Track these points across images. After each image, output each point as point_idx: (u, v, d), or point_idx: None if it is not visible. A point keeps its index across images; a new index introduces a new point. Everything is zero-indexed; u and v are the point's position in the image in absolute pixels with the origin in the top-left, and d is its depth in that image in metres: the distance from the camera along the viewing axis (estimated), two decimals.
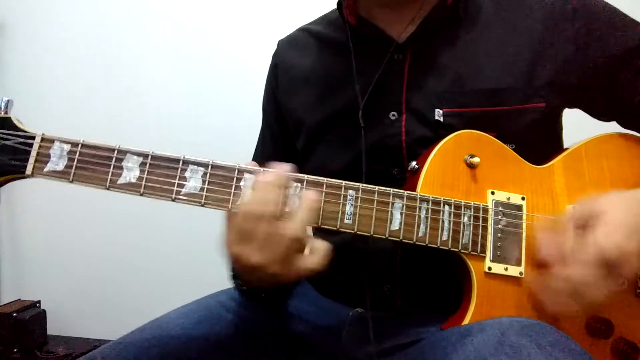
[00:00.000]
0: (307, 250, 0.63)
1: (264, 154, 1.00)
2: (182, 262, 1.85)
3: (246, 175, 0.64)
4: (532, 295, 0.69)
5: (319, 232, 0.92)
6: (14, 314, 1.69)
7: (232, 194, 0.63)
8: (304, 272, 0.63)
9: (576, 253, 0.62)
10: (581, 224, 0.64)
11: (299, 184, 0.65)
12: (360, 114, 0.78)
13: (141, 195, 0.61)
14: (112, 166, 0.61)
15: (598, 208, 0.63)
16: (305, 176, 0.65)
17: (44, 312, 1.81)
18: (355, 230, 0.65)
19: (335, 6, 0.90)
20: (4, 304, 1.78)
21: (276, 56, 0.99)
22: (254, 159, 1.03)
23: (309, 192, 0.63)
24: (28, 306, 1.77)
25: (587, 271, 0.60)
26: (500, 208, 0.70)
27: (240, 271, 0.71)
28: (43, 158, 0.60)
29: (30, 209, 1.92)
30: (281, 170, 0.63)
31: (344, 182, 0.65)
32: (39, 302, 1.83)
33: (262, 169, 0.64)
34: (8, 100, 0.62)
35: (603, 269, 0.60)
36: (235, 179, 0.63)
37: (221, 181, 0.63)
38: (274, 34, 1.01)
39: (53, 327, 1.83)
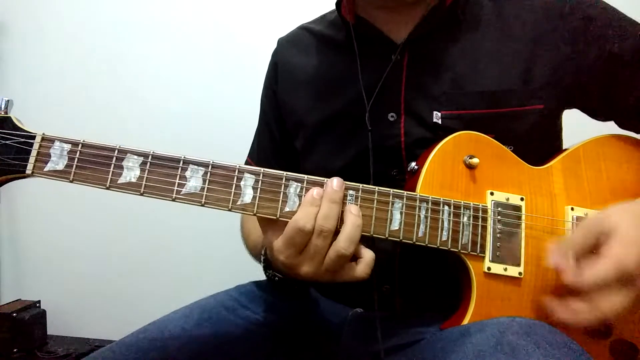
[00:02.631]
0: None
1: (261, 152, 1.00)
2: (183, 262, 1.85)
3: (247, 175, 0.64)
4: (531, 295, 0.69)
5: None
6: (14, 314, 1.69)
7: (232, 193, 0.63)
8: (350, 279, 0.65)
9: (594, 269, 0.60)
10: (593, 240, 0.63)
11: (300, 184, 0.65)
12: (367, 115, 0.79)
13: (141, 195, 0.62)
14: (112, 166, 0.61)
15: (608, 224, 0.62)
16: (305, 176, 0.65)
17: (44, 312, 1.80)
18: None
19: (334, 6, 0.90)
20: (4, 304, 1.78)
21: (276, 55, 0.99)
22: (250, 156, 1.03)
23: (352, 206, 0.64)
24: (28, 306, 1.77)
25: (605, 287, 0.60)
26: (499, 208, 0.70)
27: (286, 274, 0.72)
28: (43, 158, 0.60)
29: (30, 209, 1.92)
30: (338, 184, 0.64)
31: (344, 183, 0.66)
32: (39, 302, 1.83)
33: (264, 169, 0.64)
34: (8, 100, 0.62)
35: (620, 284, 0.60)
36: (235, 178, 0.63)
37: (222, 181, 0.63)
38: (274, 32, 1.02)
39: (53, 327, 1.83)
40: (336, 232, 0.63)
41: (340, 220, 0.63)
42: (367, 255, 0.65)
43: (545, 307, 0.66)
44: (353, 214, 0.63)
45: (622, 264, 0.59)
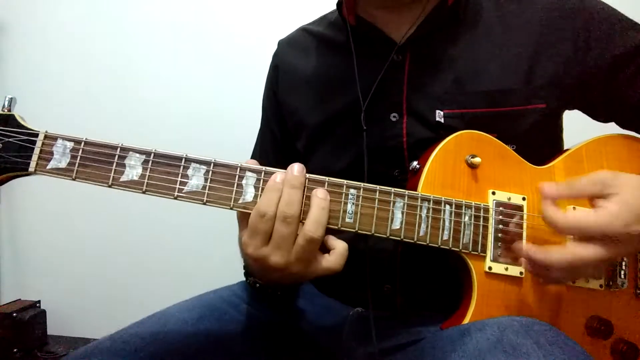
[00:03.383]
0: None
1: (263, 154, 1.00)
2: (183, 262, 1.85)
3: (249, 173, 0.64)
4: (531, 295, 0.69)
5: None
6: (14, 314, 1.69)
7: (234, 192, 0.63)
8: (325, 271, 0.64)
9: (580, 215, 0.62)
10: (594, 195, 0.63)
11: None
12: (362, 116, 0.79)
13: (143, 193, 0.62)
14: (114, 164, 0.61)
15: (613, 184, 0.62)
16: (307, 175, 0.65)
17: (44, 312, 1.81)
18: (357, 229, 0.65)
19: (334, 7, 0.90)
20: (4, 304, 1.78)
21: (276, 57, 0.99)
22: (253, 158, 1.03)
23: (319, 190, 0.63)
24: (28, 306, 1.77)
25: (585, 235, 0.61)
26: (501, 208, 0.70)
27: (259, 271, 0.71)
28: (46, 155, 0.61)
29: (30, 209, 1.93)
30: (294, 169, 0.63)
31: (345, 181, 0.66)
32: (39, 302, 1.83)
33: (265, 168, 0.64)
34: (11, 98, 0.62)
35: (601, 240, 0.60)
36: (237, 177, 0.63)
37: (223, 179, 0.63)
38: (276, 33, 1.02)
39: (53, 327, 1.83)
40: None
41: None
42: (340, 246, 0.64)
43: (521, 250, 0.66)
44: (319, 197, 0.62)
45: (611, 222, 0.59)
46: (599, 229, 0.60)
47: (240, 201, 0.63)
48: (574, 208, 0.72)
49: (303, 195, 0.63)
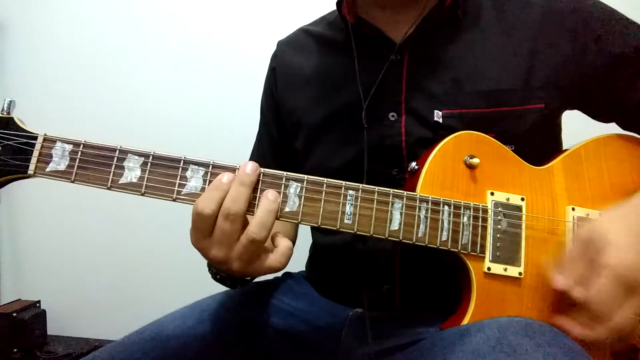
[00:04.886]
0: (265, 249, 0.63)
1: (261, 155, 1.00)
2: (183, 262, 1.84)
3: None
4: (531, 296, 0.69)
5: (319, 232, 0.93)
6: (14, 314, 1.69)
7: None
8: (266, 270, 0.63)
9: (595, 284, 0.61)
10: (589, 256, 0.63)
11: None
12: (363, 114, 0.79)
13: (142, 195, 0.62)
14: (113, 166, 0.61)
15: (600, 236, 0.63)
16: (305, 176, 0.65)
17: (44, 312, 1.81)
18: (355, 230, 0.65)
19: (334, 7, 0.90)
20: (4, 304, 1.78)
21: (275, 57, 0.99)
22: (251, 160, 1.03)
23: (269, 191, 0.63)
24: (28, 306, 1.77)
25: (609, 299, 0.60)
26: (499, 208, 0.70)
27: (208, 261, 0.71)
28: (45, 158, 0.61)
29: (30, 209, 1.92)
30: (245, 167, 0.62)
31: (343, 183, 0.66)
32: (39, 302, 1.83)
33: (271, 170, 0.64)
34: (10, 101, 0.62)
35: (623, 292, 0.60)
36: None
37: None
38: (276, 34, 1.02)
39: (53, 327, 1.83)
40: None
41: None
42: (283, 244, 0.64)
43: (555, 322, 0.66)
44: (268, 199, 0.62)
45: (621, 272, 0.60)
46: (619, 283, 0.60)
47: (181, 193, 0.63)
48: (573, 209, 0.72)
49: (250, 194, 0.62)
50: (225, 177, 0.62)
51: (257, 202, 0.63)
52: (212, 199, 0.60)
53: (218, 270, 0.75)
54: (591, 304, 0.61)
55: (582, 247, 0.65)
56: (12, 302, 1.81)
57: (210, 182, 0.63)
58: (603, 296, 0.60)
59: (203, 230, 0.61)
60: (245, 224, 0.62)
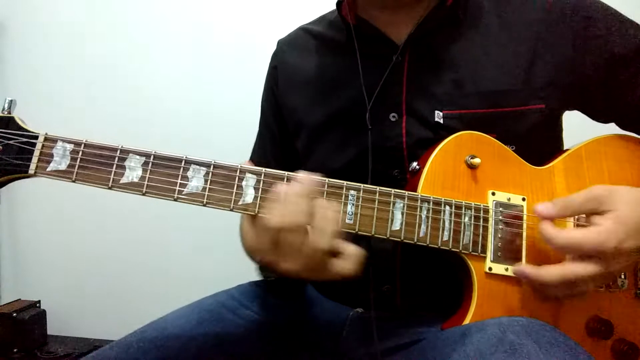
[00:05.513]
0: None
1: (262, 154, 1.00)
2: (183, 262, 1.85)
3: (249, 175, 0.64)
4: (532, 296, 0.69)
5: None
6: (14, 314, 1.69)
7: (234, 193, 0.63)
8: (336, 276, 0.63)
9: (575, 233, 0.63)
10: (589, 212, 0.65)
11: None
12: (367, 115, 0.79)
13: (143, 194, 0.62)
14: (114, 166, 0.61)
15: (609, 201, 0.63)
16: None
17: (44, 312, 1.81)
18: (357, 230, 0.65)
19: (334, 7, 0.90)
20: (4, 304, 1.78)
21: (275, 56, 0.99)
22: (252, 159, 1.03)
23: (320, 200, 0.63)
24: (28, 306, 1.78)
25: (580, 253, 0.62)
26: (500, 208, 0.70)
27: (272, 271, 0.71)
28: (46, 157, 0.61)
29: (30, 210, 1.93)
30: (304, 179, 0.62)
31: (345, 183, 0.66)
32: (39, 302, 1.83)
33: (265, 170, 0.64)
34: (11, 101, 0.62)
35: (596, 257, 0.61)
36: (237, 178, 0.63)
37: (223, 181, 0.63)
38: (277, 32, 1.02)
39: (53, 327, 1.83)
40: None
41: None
42: (351, 251, 0.63)
43: (516, 270, 0.66)
44: (320, 207, 0.62)
45: (605, 238, 0.60)
46: (593, 247, 0.61)
47: (240, 202, 0.63)
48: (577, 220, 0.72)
49: (309, 204, 0.62)
50: (283, 187, 0.62)
51: (314, 210, 0.62)
52: (277, 211, 0.60)
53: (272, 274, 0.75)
54: (552, 241, 0.63)
55: (589, 198, 0.65)
56: (12, 302, 1.81)
57: (212, 181, 0.63)
58: (570, 242, 0.62)
59: (271, 244, 0.61)
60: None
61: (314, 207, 0.61)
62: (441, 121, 0.76)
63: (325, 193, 0.65)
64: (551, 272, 0.63)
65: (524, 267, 0.65)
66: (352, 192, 0.66)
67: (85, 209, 1.86)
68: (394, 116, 0.79)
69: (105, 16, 1.87)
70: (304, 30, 0.97)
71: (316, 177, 0.64)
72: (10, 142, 0.60)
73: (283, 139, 0.96)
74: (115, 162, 0.61)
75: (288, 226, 0.60)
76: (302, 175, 0.63)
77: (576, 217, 0.72)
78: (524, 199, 0.72)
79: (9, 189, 0.62)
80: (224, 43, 1.82)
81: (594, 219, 0.63)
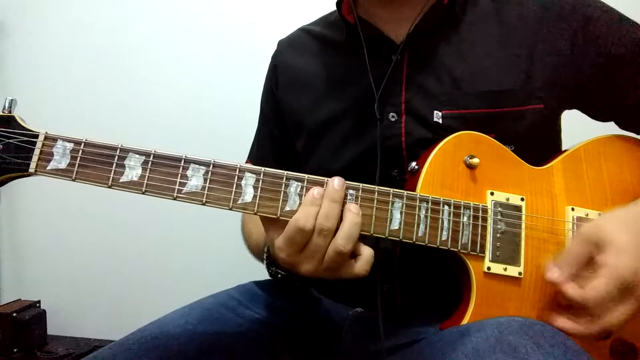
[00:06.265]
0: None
1: (260, 154, 1.01)
2: (183, 262, 1.85)
3: (248, 174, 0.64)
4: (530, 295, 0.69)
5: None
6: (14, 314, 1.69)
7: (233, 192, 0.63)
8: (350, 277, 0.65)
9: (593, 286, 0.61)
10: (589, 255, 0.64)
11: (300, 183, 0.65)
12: (376, 105, 0.79)
13: (143, 193, 0.62)
14: (114, 164, 0.61)
15: (602, 236, 0.63)
16: (306, 176, 0.65)
17: (44, 312, 1.80)
18: None
19: (334, 7, 0.90)
20: (4, 304, 1.78)
21: (275, 57, 0.99)
22: (250, 158, 1.04)
23: (352, 205, 0.64)
24: (28, 306, 1.77)
25: (607, 300, 0.60)
26: (499, 208, 0.71)
27: (288, 270, 0.72)
28: (46, 156, 0.61)
29: (30, 209, 1.92)
30: (334, 183, 0.64)
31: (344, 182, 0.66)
32: (39, 302, 1.83)
33: (265, 169, 0.64)
34: (12, 100, 0.63)
35: (620, 294, 0.60)
36: (236, 177, 0.63)
37: (223, 180, 0.63)
38: (277, 31, 1.02)
39: (53, 327, 1.83)
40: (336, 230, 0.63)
41: (340, 219, 0.63)
42: (366, 252, 0.65)
43: (548, 318, 0.66)
44: (352, 212, 0.63)
45: (619, 273, 0.59)
46: (616, 287, 0.60)
47: (239, 202, 0.63)
48: (572, 209, 0.72)
49: (341, 209, 0.63)
50: (316, 191, 0.63)
51: (300, 201, 0.64)
52: (310, 214, 0.62)
53: (283, 272, 0.78)
54: (586, 303, 0.61)
55: (582, 243, 0.65)
56: (12, 302, 1.81)
57: (211, 180, 0.63)
58: (599, 296, 0.60)
59: (299, 245, 0.63)
60: None
61: (345, 212, 0.63)
62: (440, 121, 0.77)
63: (359, 198, 0.66)
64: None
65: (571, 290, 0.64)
66: (350, 191, 0.66)
67: (85, 209, 1.86)
68: (393, 116, 0.79)
69: (106, 16, 1.87)
70: (304, 31, 0.98)
71: (349, 183, 0.66)
72: (11, 140, 0.60)
73: (282, 139, 0.96)
74: (115, 161, 0.62)
75: (322, 230, 0.61)
76: (337, 179, 0.64)
77: (575, 219, 0.72)
78: (522, 199, 0.72)
79: (9, 189, 0.62)
80: (224, 42, 1.82)
81: (598, 261, 0.62)
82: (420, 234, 0.67)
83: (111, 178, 0.61)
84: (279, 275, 0.79)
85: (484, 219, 0.70)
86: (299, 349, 0.84)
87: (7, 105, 0.62)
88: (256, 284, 0.92)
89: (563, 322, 0.64)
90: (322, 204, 0.63)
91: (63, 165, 0.61)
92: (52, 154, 0.61)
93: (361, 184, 0.66)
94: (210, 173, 0.63)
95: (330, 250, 0.62)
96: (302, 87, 0.91)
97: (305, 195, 0.64)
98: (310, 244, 0.62)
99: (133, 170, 0.62)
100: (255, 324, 0.83)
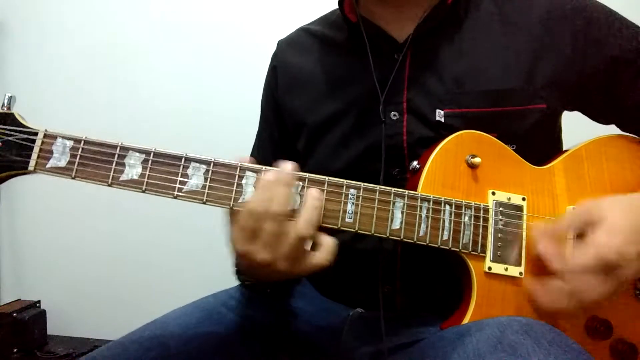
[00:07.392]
0: (308, 246, 0.63)
1: (261, 155, 1.00)
2: (183, 262, 1.85)
3: (248, 173, 0.64)
4: (531, 296, 0.69)
5: (320, 231, 0.93)
6: (14, 314, 1.69)
7: (233, 191, 0.63)
8: (312, 268, 0.63)
9: (576, 257, 0.62)
10: (581, 228, 0.65)
11: (301, 183, 0.65)
12: (381, 107, 0.78)
13: (143, 192, 0.62)
14: (114, 163, 0.61)
15: (598, 213, 0.64)
16: (307, 175, 0.65)
17: (44, 312, 1.81)
18: (356, 229, 0.65)
19: (335, 6, 0.90)
20: (4, 304, 1.78)
21: (275, 57, 0.99)
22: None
23: (312, 190, 0.63)
24: (28, 306, 1.77)
25: (586, 274, 0.61)
26: (500, 208, 0.70)
27: (247, 267, 0.71)
28: (46, 154, 0.60)
29: (30, 209, 1.92)
30: (286, 168, 0.63)
31: (345, 181, 0.66)
32: (39, 302, 1.83)
33: (265, 167, 0.64)
34: (11, 97, 0.62)
35: (602, 273, 0.61)
36: (237, 176, 0.63)
37: (223, 179, 0.63)
38: (278, 30, 1.02)
39: (53, 327, 1.83)
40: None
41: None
42: (327, 242, 0.63)
43: (528, 291, 0.67)
44: (312, 197, 0.62)
45: (604, 252, 0.60)
46: (596, 262, 0.61)
47: (240, 200, 0.63)
48: (573, 209, 0.72)
49: (294, 193, 0.62)
50: (270, 175, 0.62)
51: (301, 200, 0.63)
52: (260, 198, 0.61)
53: (251, 277, 0.76)
54: (568, 279, 0.62)
55: (576, 218, 0.66)
56: (12, 302, 1.81)
57: (211, 179, 0.63)
58: (578, 265, 0.61)
59: (251, 232, 0.61)
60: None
61: (306, 197, 0.62)
62: (442, 120, 0.76)
63: (325, 192, 0.65)
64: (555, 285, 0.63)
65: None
66: (352, 190, 0.65)
67: (85, 209, 1.86)
68: (395, 115, 0.79)
69: (106, 16, 1.87)
70: (304, 31, 0.97)
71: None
72: (10, 138, 0.60)
73: (283, 140, 0.96)
74: (115, 159, 0.61)
75: (274, 213, 0.60)
76: (290, 164, 0.63)
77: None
78: (524, 199, 0.71)
79: (9, 189, 0.62)
80: (225, 42, 1.83)
81: (587, 234, 0.63)
82: (421, 233, 0.67)
83: (111, 176, 0.61)
84: (247, 282, 0.78)
85: (485, 219, 0.69)
86: (299, 349, 0.84)
87: (6, 102, 0.62)
88: None
89: (540, 294, 0.65)
90: (273, 188, 0.61)
91: (62, 163, 0.61)
92: (51, 152, 0.60)
93: (362, 184, 0.66)
94: (210, 172, 0.63)
95: (290, 236, 0.60)
96: (302, 86, 0.91)
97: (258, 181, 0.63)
98: (264, 230, 0.60)
99: (133, 168, 0.62)
100: (255, 324, 0.83)
